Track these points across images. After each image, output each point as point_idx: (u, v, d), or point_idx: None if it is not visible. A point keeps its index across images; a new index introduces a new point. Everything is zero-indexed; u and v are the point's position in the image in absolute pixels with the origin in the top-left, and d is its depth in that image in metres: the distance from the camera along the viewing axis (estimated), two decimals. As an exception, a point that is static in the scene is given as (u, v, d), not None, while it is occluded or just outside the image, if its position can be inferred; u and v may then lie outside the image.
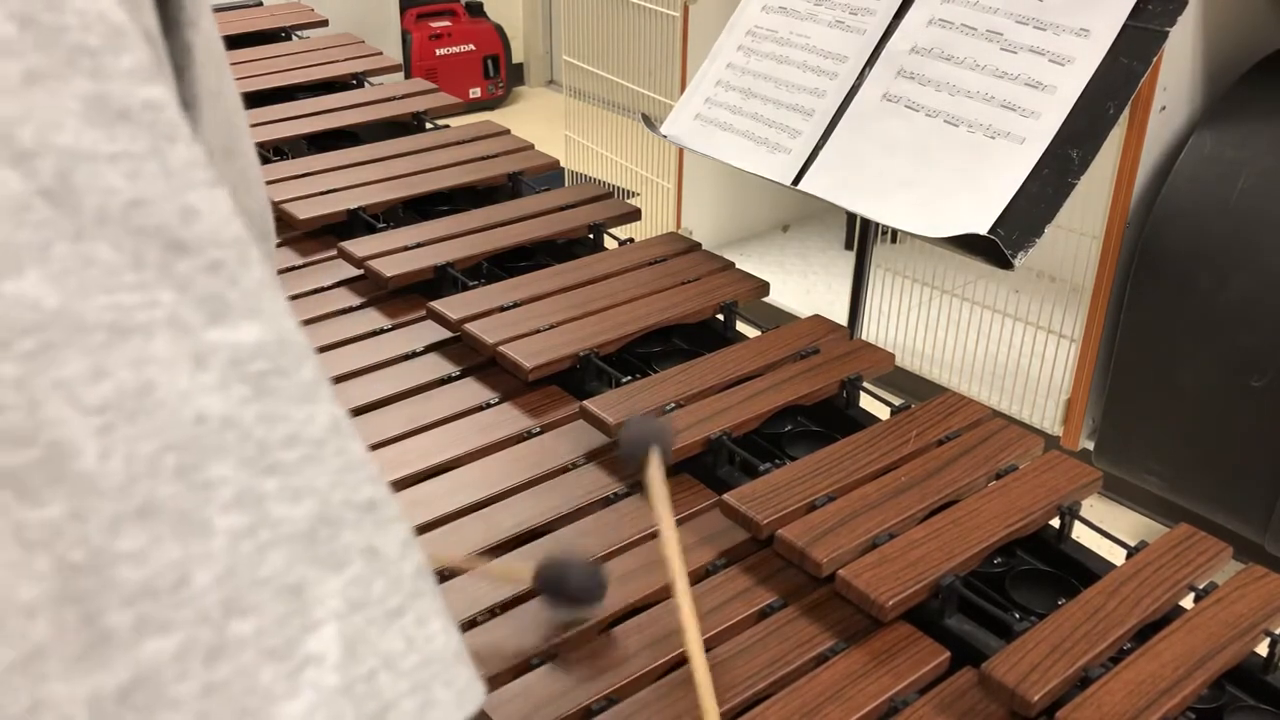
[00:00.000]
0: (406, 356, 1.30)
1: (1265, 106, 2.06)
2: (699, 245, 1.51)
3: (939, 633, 0.93)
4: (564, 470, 1.11)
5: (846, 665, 0.89)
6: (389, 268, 1.41)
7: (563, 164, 3.33)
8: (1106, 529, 1.04)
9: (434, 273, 1.43)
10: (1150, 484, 2.22)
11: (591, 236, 1.57)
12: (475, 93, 4.48)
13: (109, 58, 0.30)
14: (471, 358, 1.29)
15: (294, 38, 2.28)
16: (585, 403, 1.15)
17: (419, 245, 1.46)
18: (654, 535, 1.03)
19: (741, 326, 1.37)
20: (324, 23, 2.33)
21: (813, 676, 0.88)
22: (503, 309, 1.33)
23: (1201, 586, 0.94)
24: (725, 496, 1.02)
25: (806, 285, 3.09)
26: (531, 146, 1.78)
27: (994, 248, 1.26)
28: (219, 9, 2.37)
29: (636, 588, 0.96)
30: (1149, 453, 2.19)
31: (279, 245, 1.52)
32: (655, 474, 0.90)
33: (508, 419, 1.19)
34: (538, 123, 4.04)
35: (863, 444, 1.10)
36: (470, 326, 1.29)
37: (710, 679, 0.79)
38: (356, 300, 1.41)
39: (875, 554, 0.95)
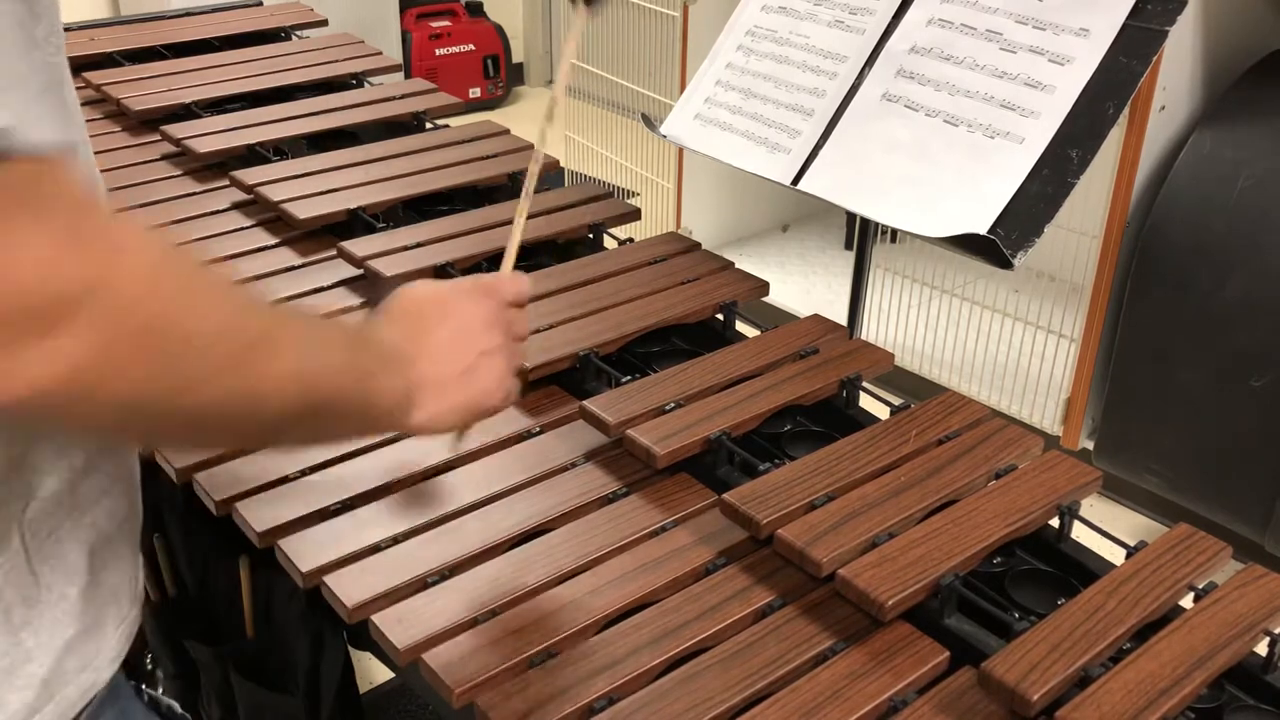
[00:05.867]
0: (406, 356, 1.29)
1: (1265, 106, 2.06)
2: (699, 245, 1.51)
3: (939, 632, 0.93)
4: (564, 470, 1.11)
5: (846, 665, 0.89)
6: (389, 268, 1.41)
7: (563, 164, 3.33)
8: (1106, 529, 1.04)
9: (433, 272, 1.43)
10: (1150, 484, 2.22)
11: (591, 236, 1.57)
12: (475, 93, 4.48)
13: None
14: (471, 358, 1.28)
15: (294, 38, 2.28)
16: (585, 403, 1.15)
17: (419, 245, 1.46)
18: (656, 534, 1.03)
19: (741, 326, 1.37)
20: (324, 23, 2.33)
21: (813, 676, 0.88)
22: (502, 309, 1.33)
23: (1201, 586, 0.94)
24: (725, 496, 1.02)
25: (806, 285, 3.09)
26: (531, 146, 1.78)
27: (994, 247, 1.26)
28: (219, 9, 2.37)
29: (636, 588, 0.96)
30: (1149, 453, 2.19)
31: (278, 245, 1.53)
32: None
33: (508, 419, 1.18)
34: (538, 123, 4.03)
35: (862, 444, 1.10)
36: (470, 326, 1.29)
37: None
38: (356, 300, 1.41)
39: (875, 554, 0.95)
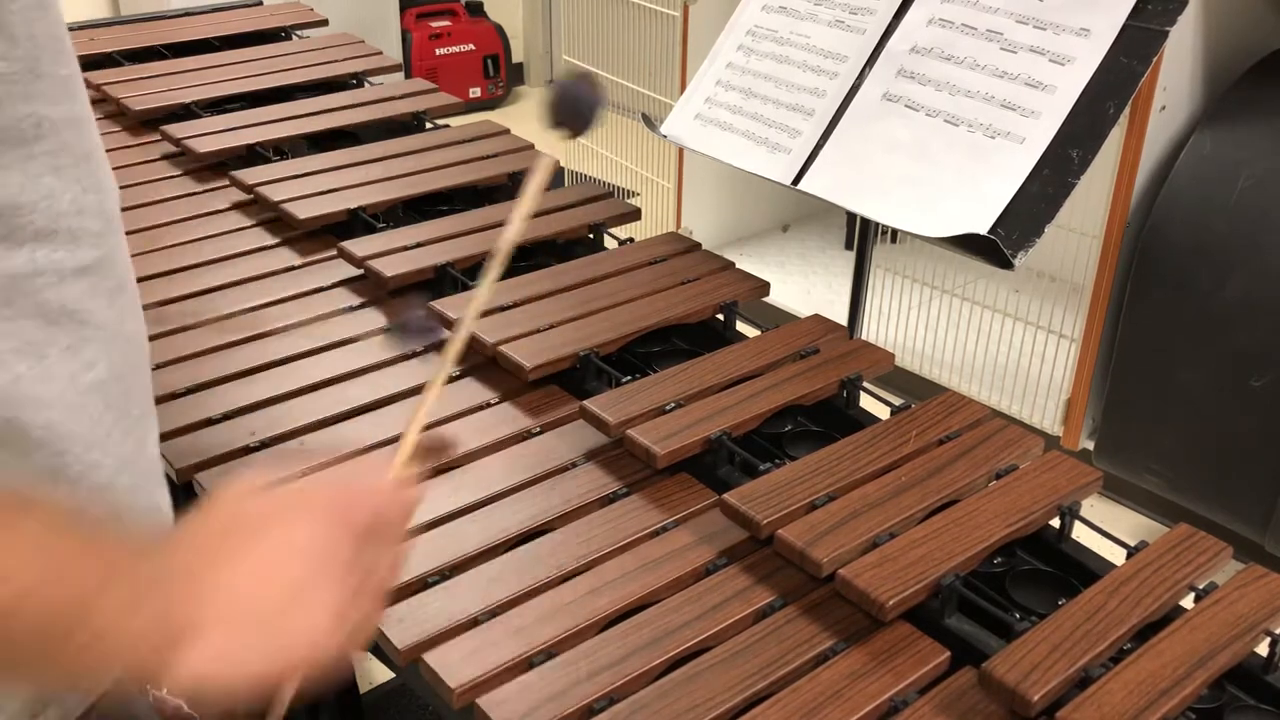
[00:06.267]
0: (407, 356, 1.30)
1: (1265, 106, 2.06)
2: (699, 245, 1.51)
3: (939, 633, 0.93)
4: (564, 470, 1.11)
5: (846, 665, 0.89)
6: (389, 268, 1.41)
7: (563, 164, 3.33)
8: (1106, 529, 1.04)
9: (434, 273, 1.43)
10: (1150, 484, 2.22)
11: (591, 236, 1.57)
12: (475, 93, 4.47)
13: None
14: (471, 358, 1.28)
15: (294, 38, 2.28)
16: (585, 403, 1.15)
17: (419, 245, 1.46)
18: (656, 534, 1.03)
19: (741, 326, 1.37)
20: (324, 22, 2.33)
21: (813, 676, 0.88)
22: (503, 309, 1.33)
23: (1201, 586, 0.94)
24: (725, 496, 1.02)
25: (806, 285, 3.09)
26: (531, 146, 1.78)
27: (994, 248, 1.26)
28: (219, 9, 2.37)
29: (636, 588, 0.96)
30: (1149, 453, 2.19)
31: (278, 245, 1.52)
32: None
33: (508, 419, 1.19)
34: (538, 122, 4.03)
35: (863, 444, 1.10)
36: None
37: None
38: (356, 300, 1.41)
39: (875, 554, 0.95)
